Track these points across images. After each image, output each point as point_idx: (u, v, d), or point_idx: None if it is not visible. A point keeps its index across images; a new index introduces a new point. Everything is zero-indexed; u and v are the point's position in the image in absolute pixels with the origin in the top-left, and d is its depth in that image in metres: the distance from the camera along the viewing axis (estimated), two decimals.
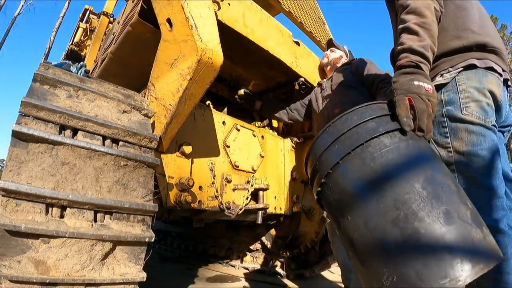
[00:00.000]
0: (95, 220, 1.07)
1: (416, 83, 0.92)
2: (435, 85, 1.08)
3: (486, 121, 1.02)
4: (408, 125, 0.87)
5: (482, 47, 1.08)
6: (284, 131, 2.74)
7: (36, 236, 0.95)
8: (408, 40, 1.01)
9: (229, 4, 1.69)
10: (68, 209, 1.03)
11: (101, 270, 1.05)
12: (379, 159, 0.81)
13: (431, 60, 1.01)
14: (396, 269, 0.70)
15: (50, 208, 1.00)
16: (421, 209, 0.72)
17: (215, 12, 1.51)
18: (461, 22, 1.12)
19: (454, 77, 1.07)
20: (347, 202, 0.84)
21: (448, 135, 1.05)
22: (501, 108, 1.10)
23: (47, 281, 0.94)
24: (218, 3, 1.57)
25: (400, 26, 1.06)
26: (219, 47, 1.36)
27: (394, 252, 0.71)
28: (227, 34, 1.63)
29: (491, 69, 1.06)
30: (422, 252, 0.68)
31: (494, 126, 1.05)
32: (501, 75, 1.09)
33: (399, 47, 1.03)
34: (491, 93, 1.05)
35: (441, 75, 1.09)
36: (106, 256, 1.07)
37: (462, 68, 1.06)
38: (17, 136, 0.98)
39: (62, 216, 1.02)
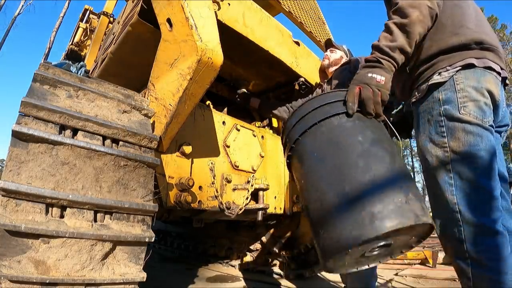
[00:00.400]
0: (95, 220, 1.07)
1: (369, 75, 1.04)
2: (433, 83, 1.10)
3: (484, 121, 1.03)
4: (351, 109, 1.01)
5: (480, 44, 1.09)
6: None
7: (36, 236, 0.95)
8: (381, 38, 1.10)
9: (229, 4, 1.69)
10: (68, 209, 1.03)
11: (101, 270, 1.05)
12: (327, 135, 1.03)
13: (398, 59, 1.07)
14: (329, 222, 0.90)
15: (50, 208, 1.00)
16: (354, 175, 0.90)
17: (215, 12, 1.51)
18: (458, 19, 1.13)
19: (452, 76, 1.07)
20: (304, 169, 1.07)
21: (445, 134, 1.05)
22: (499, 107, 1.10)
23: (47, 281, 0.94)
24: (218, 3, 1.57)
25: (384, 23, 1.13)
26: (219, 47, 1.35)
27: (330, 208, 0.92)
28: (227, 34, 1.63)
29: (489, 68, 1.07)
30: (349, 208, 0.87)
31: (492, 126, 1.05)
32: (499, 73, 1.09)
33: (373, 43, 1.11)
34: (490, 92, 1.05)
35: (439, 73, 1.10)
36: (106, 256, 1.07)
37: (460, 67, 1.07)
38: (17, 136, 0.98)
39: (62, 216, 1.02)
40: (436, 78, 1.10)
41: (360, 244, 0.83)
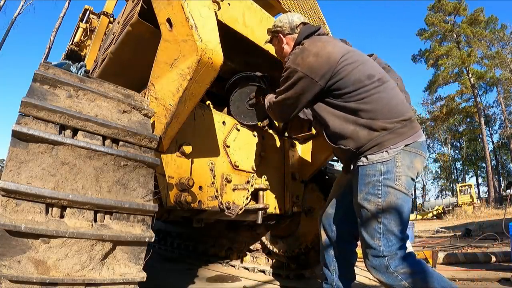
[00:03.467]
0: (95, 220, 1.07)
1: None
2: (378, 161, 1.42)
3: (409, 191, 1.41)
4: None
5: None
6: (284, 131, 2.74)
7: (36, 236, 0.95)
8: None
9: (229, 4, 1.69)
10: (68, 209, 1.03)
11: (101, 270, 1.05)
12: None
13: None
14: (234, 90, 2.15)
15: (50, 208, 1.00)
16: (244, 85, 2.13)
17: (215, 12, 1.51)
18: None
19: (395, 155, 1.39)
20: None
21: (380, 196, 1.38)
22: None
23: (47, 281, 0.94)
24: (218, 3, 1.57)
25: None
26: (219, 47, 1.35)
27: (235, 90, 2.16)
28: (227, 34, 1.63)
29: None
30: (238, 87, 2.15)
31: (412, 194, 1.46)
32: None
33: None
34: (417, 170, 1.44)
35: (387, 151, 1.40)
36: (106, 256, 1.07)
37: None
38: (17, 136, 0.98)
39: (62, 216, 1.02)
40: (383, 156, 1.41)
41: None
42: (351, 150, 1.47)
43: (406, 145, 1.40)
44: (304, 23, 1.68)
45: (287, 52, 1.68)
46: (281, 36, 1.69)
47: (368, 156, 1.43)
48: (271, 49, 1.94)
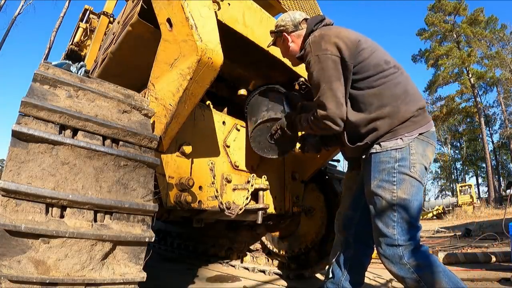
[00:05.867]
0: (95, 220, 1.07)
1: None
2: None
3: (422, 180, 1.38)
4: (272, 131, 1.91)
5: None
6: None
7: (36, 236, 0.95)
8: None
9: (229, 4, 1.69)
10: (68, 209, 1.03)
11: (101, 270, 1.05)
12: (257, 99, 2.09)
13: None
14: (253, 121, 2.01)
15: (50, 208, 1.00)
16: (261, 111, 1.98)
17: (215, 12, 1.51)
18: None
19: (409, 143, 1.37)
20: (248, 116, 2.12)
21: (396, 183, 1.35)
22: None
23: (47, 281, 0.94)
24: (218, 3, 1.57)
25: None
26: (219, 47, 1.35)
27: (253, 120, 2.02)
28: (227, 34, 1.63)
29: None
30: (256, 116, 2.01)
31: (424, 183, 1.43)
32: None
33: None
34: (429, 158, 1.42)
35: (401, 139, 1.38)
36: (106, 256, 1.07)
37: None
38: (17, 136, 0.98)
39: (62, 216, 1.02)
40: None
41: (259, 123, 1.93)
42: (368, 143, 1.43)
43: (420, 134, 1.38)
44: (306, 19, 1.67)
45: (293, 50, 1.67)
46: (286, 34, 1.67)
47: (381, 143, 1.39)
48: (271, 48, 1.95)
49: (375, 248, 1.55)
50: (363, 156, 1.50)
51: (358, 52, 1.40)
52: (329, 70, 1.39)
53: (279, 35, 1.71)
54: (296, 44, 1.66)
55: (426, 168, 1.41)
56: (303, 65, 2.20)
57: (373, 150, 1.42)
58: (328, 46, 1.40)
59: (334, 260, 1.74)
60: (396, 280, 1.45)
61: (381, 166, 1.39)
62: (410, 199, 1.34)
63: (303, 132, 1.99)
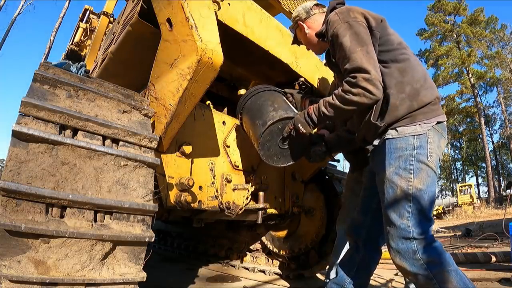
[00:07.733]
0: (95, 220, 1.07)
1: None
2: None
3: (437, 171, 1.33)
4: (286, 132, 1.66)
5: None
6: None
7: (36, 236, 0.95)
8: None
9: (229, 4, 1.69)
10: (68, 209, 1.03)
11: (101, 270, 1.05)
12: (256, 101, 1.90)
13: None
14: (258, 125, 1.75)
15: (50, 208, 1.00)
16: (266, 112, 1.76)
17: (215, 12, 1.51)
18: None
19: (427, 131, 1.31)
20: (249, 116, 1.88)
21: (412, 172, 1.28)
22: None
23: (47, 281, 0.94)
24: (218, 3, 1.56)
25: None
26: (219, 47, 1.35)
27: (259, 123, 1.75)
28: (227, 34, 1.63)
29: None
30: (263, 118, 1.74)
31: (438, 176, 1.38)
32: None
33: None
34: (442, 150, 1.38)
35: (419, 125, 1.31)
36: (106, 256, 1.07)
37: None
38: (17, 136, 0.98)
39: (62, 216, 1.02)
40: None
41: (268, 125, 1.67)
42: (385, 125, 1.34)
43: (437, 123, 1.32)
44: (317, 4, 1.69)
45: (311, 35, 1.67)
46: (301, 23, 1.69)
47: (398, 129, 1.32)
48: (271, 48, 1.95)
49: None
50: (376, 142, 1.41)
51: (383, 27, 1.39)
52: (363, 34, 1.33)
53: (296, 26, 1.73)
54: (312, 29, 1.66)
55: (439, 160, 1.36)
56: (303, 65, 2.21)
57: (388, 136, 1.34)
58: (357, 15, 1.39)
59: (340, 261, 1.71)
60: (402, 274, 1.39)
61: (397, 152, 1.31)
62: (425, 189, 1.27)
63: (315, 133, 1.87)
